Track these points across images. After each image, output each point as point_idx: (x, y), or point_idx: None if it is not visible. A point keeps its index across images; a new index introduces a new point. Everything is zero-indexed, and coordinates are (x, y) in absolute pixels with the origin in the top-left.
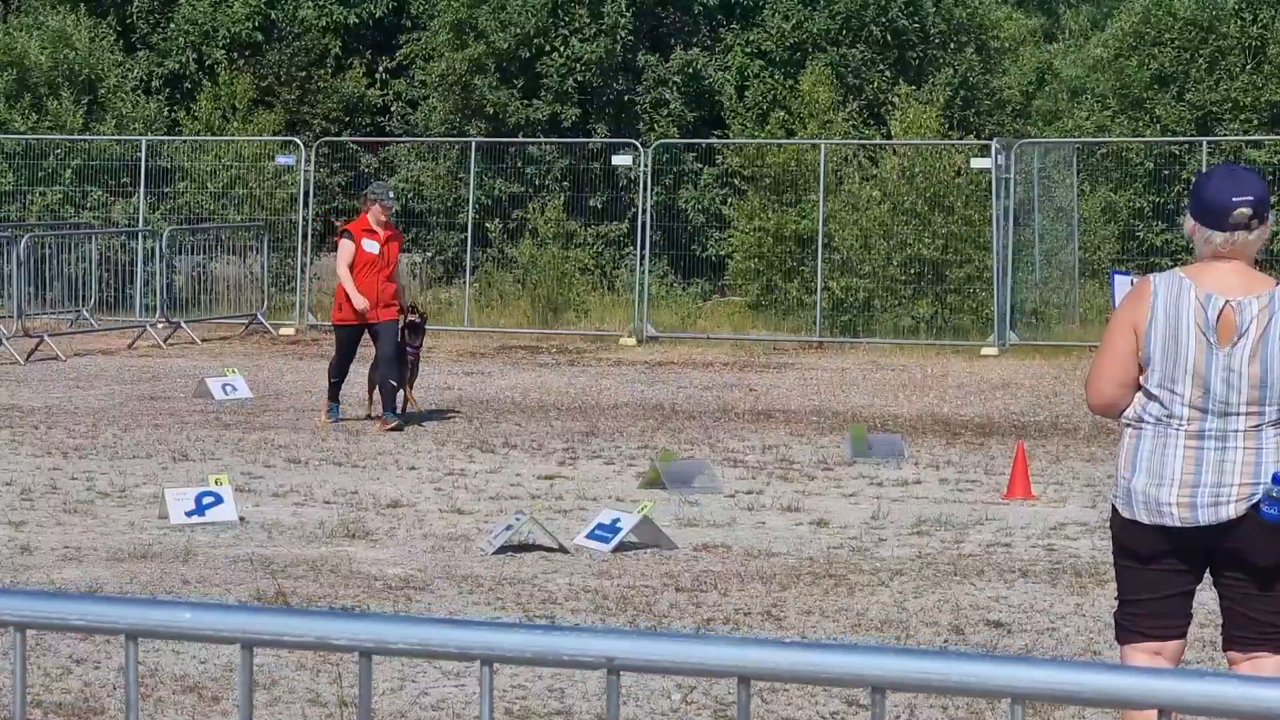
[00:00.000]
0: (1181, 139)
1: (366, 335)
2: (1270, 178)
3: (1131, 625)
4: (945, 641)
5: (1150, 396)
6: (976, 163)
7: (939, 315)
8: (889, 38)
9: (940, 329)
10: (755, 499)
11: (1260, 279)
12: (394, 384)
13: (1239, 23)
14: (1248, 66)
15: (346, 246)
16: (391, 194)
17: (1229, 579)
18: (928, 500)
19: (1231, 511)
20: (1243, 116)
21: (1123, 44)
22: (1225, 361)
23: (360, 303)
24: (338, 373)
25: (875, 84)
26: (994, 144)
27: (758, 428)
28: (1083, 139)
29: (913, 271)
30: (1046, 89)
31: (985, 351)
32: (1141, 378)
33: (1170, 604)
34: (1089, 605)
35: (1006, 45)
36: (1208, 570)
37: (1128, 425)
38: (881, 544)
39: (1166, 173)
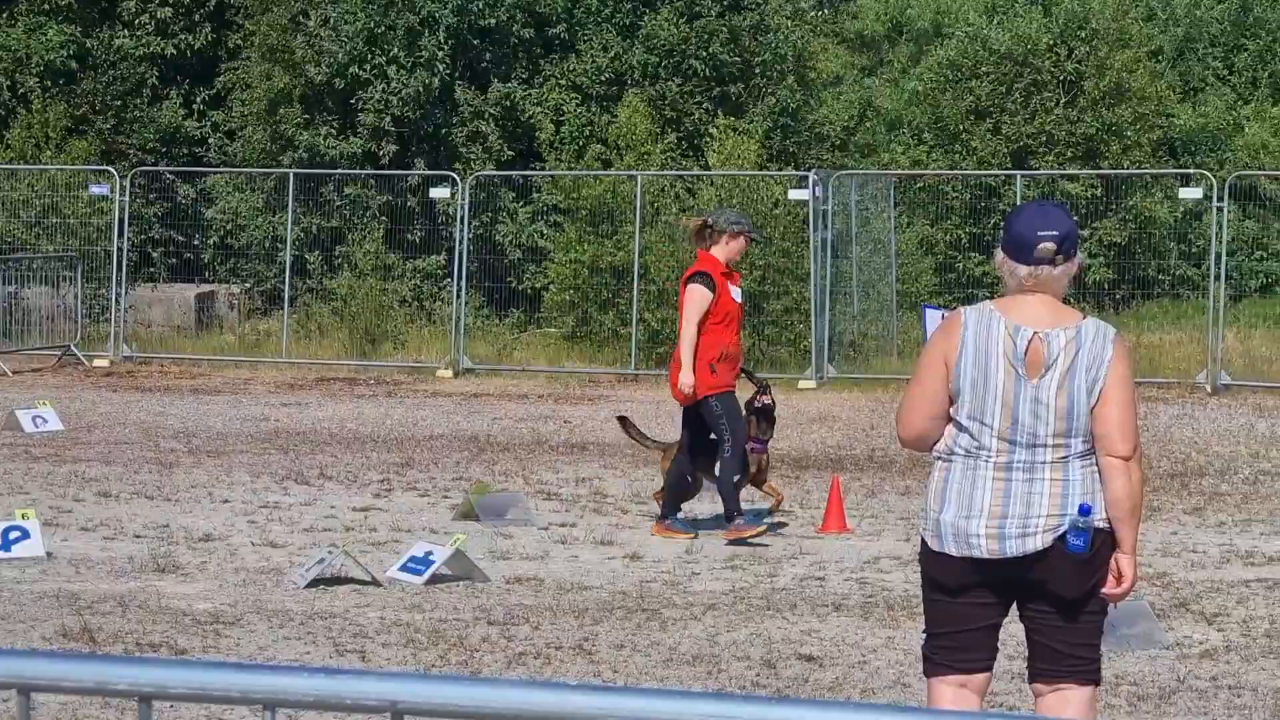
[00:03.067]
0: (997, 172)
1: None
2: (1085, 210)
3: (939, 658)
4: (757, 675)
5: (960, 429)
6: (794, 194)
7: (756, 347)
8: (709, 71)
9: (758, 361)
10: (568, 532)
11: (1068, 312)
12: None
13: (1053, 57)
14: (1062, 100)
15: (703, 295)
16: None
17: (1035, 611)
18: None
19: (1039, 543)
20: (1057, 150)
21: (940, 78)
22: (1033, 393)
23: (687, 380)
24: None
25: (695, 116)
26: (812, 175)
27: (572, 460)
28: (899, 171)
29: None
30: (866, 123)
31: (803, 384)
32: (951, 410)
33: (977, 637)
34: (901, 638)
35: (826, 79)
36: (1015, 603)
37: (938, 458)
38: (695, 578)
39: (983, 205)
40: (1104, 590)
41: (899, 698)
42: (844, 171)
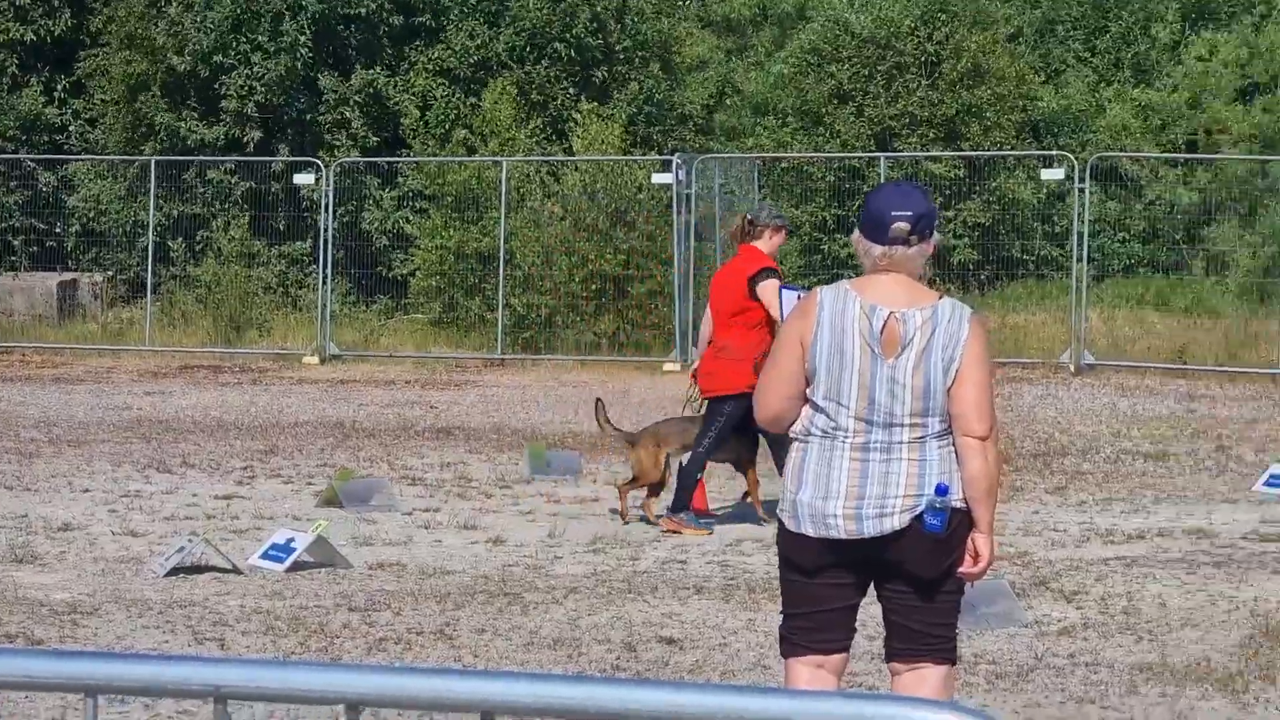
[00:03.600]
0: (860, 154)
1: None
2: (949, 191)
3: (796, 639)
4: (617, 659)
5: (817, 409)
6: (658, 178)
7: (621, 331)
8: (574, 55)
9: (622, 345)
10: (432, 517)
11: (924, 292)
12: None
13: (915, 40)
14: (924, 83)
15: (776, 288)
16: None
17: (892, 591)
18: (605, 518)
19: (896, 523)
20: (920, 131)
21: (803, 61)
22: (890, 373)
23: None
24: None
25: (559, 101)
26: (675, 159)
27: (437, 445)
28: (763, 154)
29: (594, 288)
30: (730, 106)
31: (667, 367)
32: (808, 390)
33: (834, 617)
34: (761, 621)
35: (691, 63)
36: (872, 583)
37: (794, 439)
38: (557, 561)
39: (847, 187)
40: (961, 570)
41: (759, 679)
42: (708, 155)
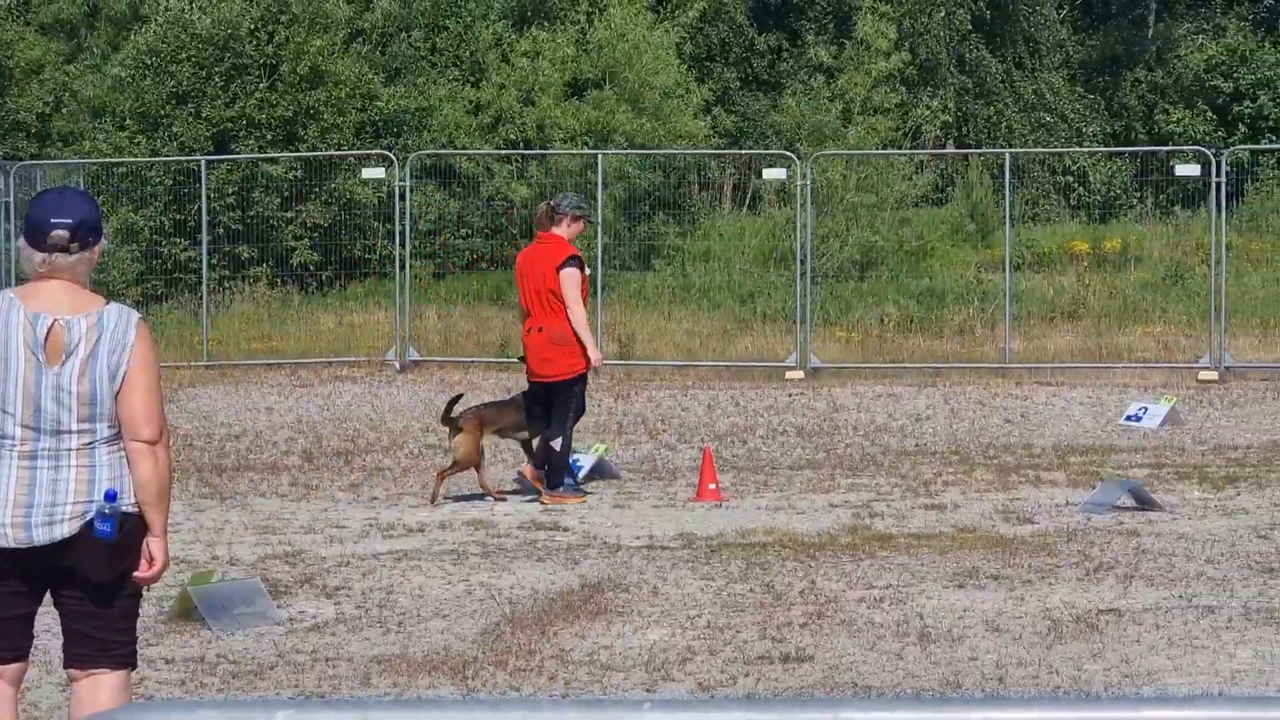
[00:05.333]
0: (198, 157)
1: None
2: (289, 193)
3: None
4: None
5: None
6: None
7: None
8: None
9: None
10: None
11: (91, 298)
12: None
13: (255, 41)
14: (262, 84)
15: (577, 276)
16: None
17: (68, 597)
18: None
19: (65, 530)
20: (258, 133)
21: (141, 64)
22: (55, 380)
23: (596, 354)
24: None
25: None
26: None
27: None
28: (97, 159)
29: None
30: (66, 111)
31: None
32: None
33: (10, 626)
34: None
35: (27, 67)
36: (49, 591)
37: None
38: None
39: (186, 190)
40: (136, 574)
41: None
42: (33, 162)
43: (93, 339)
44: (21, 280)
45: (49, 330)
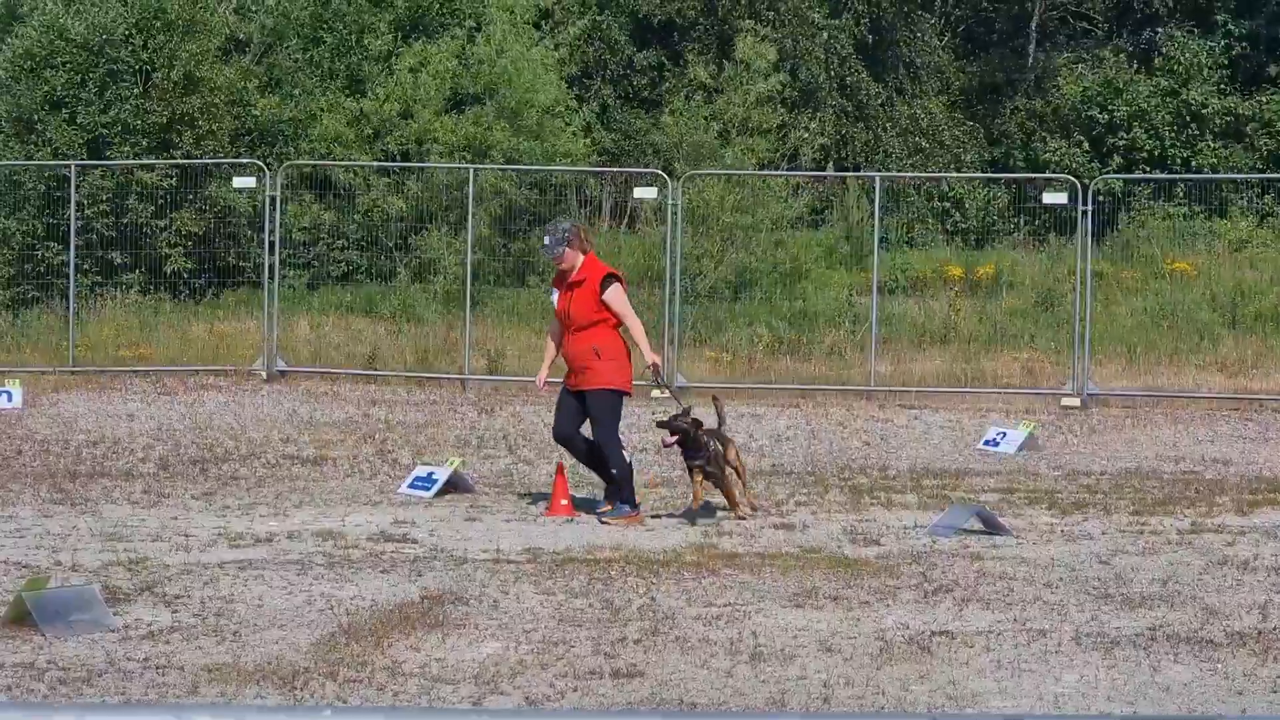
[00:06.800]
0: (70, 162)
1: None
2: (163, 200)
3: None
4: None
5: None
6: None
7: None
8: None
9: None
10: None
11: None
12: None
13: (130, 47)
14: (136, 90)
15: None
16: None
17: None
18: None
19: None
20: (133, 139)
21: (17, 67)
22: None
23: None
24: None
25: None
26: None
27: None
28: None
29: None
30: None
31: None
32: None
33: None
34: None
35: None
36: None
37: None
38: None
39: (59, 194)
40: None
41: None
42: None
43: None
44: None
45: None
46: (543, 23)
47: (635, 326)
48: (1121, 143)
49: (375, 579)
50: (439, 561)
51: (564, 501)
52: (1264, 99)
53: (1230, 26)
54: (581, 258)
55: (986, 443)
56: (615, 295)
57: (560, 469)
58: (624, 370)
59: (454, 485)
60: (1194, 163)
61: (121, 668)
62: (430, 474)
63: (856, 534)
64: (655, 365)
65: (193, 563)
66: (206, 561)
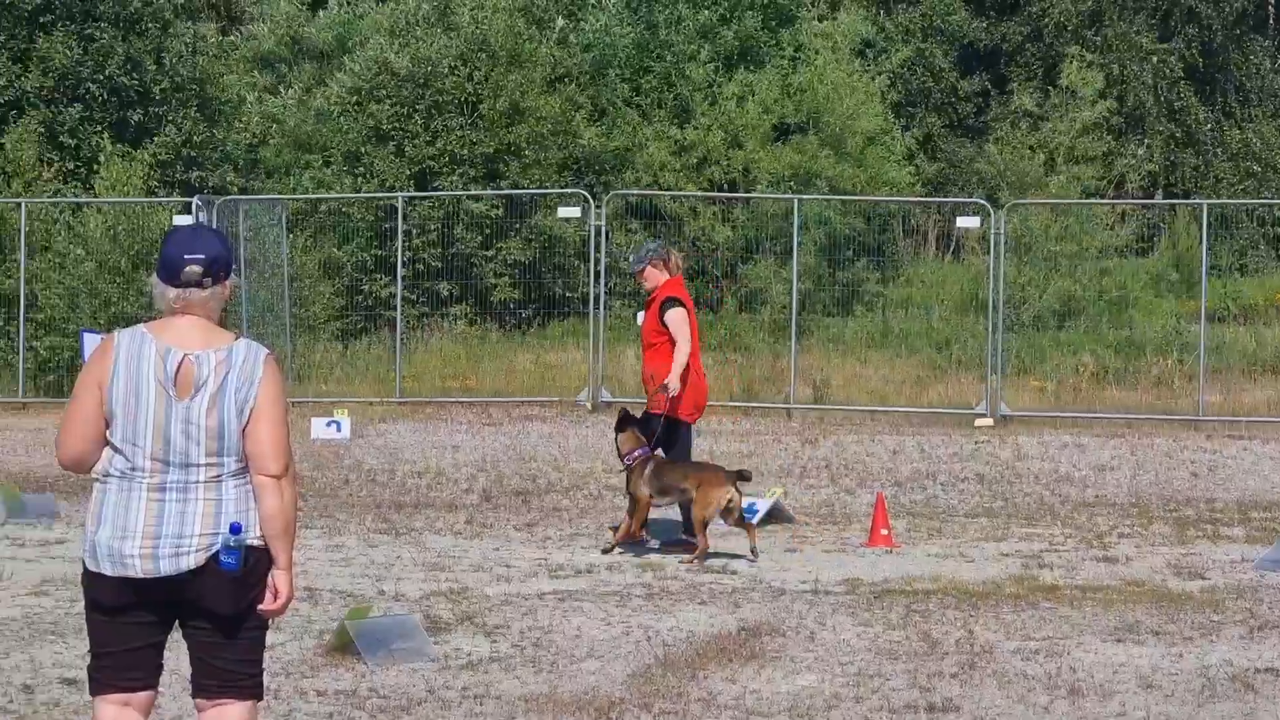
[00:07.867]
0: (398, 194)
1: None
2: (489, 229)
3: (102, 677)
4: (10, 701)
5: (115, 450)
6: (179, 219)
7: None
8: (108, 96)
9: None
10: None
11: (220, 334)
12: None
13: (455, 78)
14: (463, 121)
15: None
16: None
17: (195, 628)
18: (63, 560)
19: (192, 561)
20: (460, 170)
21: (345, 101)
22: (185, 414)
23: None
24: None
25: (92, 142)
26: (195, 201)
27: None
28: (289, 196)
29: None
30: (273, 144)
31: None
32: (107, 432)
33: (139, 656)
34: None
35: (234, 102)
36: (178, 622)
37: (97, 480)
38: None
39: (386, 227)
40: (261, 607)
41: None
42: (232, 197)
43: (221, 374)
44: (153, 316)
45: (179, 365)
46: (866, 50)
47: (681, 350)
48: None
49: (694, 611)
50: (756, 593)
51: (884, 531)
52: None
53: None
54: (664, 279)
55: None
56: (674, 317)
57: (880, 499)
58: (683, 398)
59: (774, 515)
60: None
61: (441, 696)
62: (752, 504)
63: (1181, 567)
64: (666, 390)
65: (513, 593)
66: (526, 592)
